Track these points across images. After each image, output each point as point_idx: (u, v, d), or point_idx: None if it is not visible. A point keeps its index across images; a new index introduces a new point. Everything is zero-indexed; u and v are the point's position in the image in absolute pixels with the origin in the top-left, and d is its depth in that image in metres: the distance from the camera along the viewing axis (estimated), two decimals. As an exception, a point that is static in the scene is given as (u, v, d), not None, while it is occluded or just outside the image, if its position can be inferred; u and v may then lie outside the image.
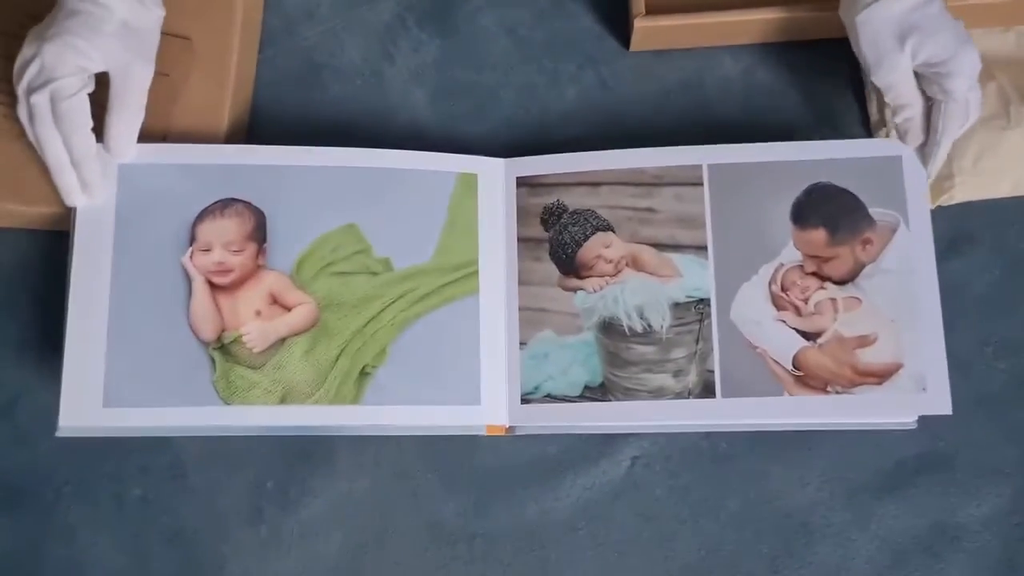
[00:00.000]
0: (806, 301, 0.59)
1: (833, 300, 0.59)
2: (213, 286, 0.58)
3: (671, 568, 0.61)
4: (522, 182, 0.62)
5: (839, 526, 0.61)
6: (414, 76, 0.69)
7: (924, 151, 0.61)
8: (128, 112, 0.57)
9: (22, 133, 0.57)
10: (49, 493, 0.61)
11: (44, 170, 0.57)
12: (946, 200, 0.65)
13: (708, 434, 0.63)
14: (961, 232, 0.66)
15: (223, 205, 0.59)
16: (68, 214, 0.59)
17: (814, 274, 0.59)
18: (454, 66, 0.69)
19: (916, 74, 0.59)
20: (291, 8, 0.70)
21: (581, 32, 0.70)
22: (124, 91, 0.57)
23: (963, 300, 0.65)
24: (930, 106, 0.60)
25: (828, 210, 0.60)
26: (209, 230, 0.59)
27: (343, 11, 0.70)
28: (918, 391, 0.57)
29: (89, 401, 0.56)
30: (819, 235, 0.60)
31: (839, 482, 0.62)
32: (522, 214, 0.62)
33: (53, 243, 0.62)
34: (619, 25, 0.69)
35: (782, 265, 0.59)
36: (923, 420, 0.61)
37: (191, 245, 0.59)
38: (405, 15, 0.70)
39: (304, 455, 0.62)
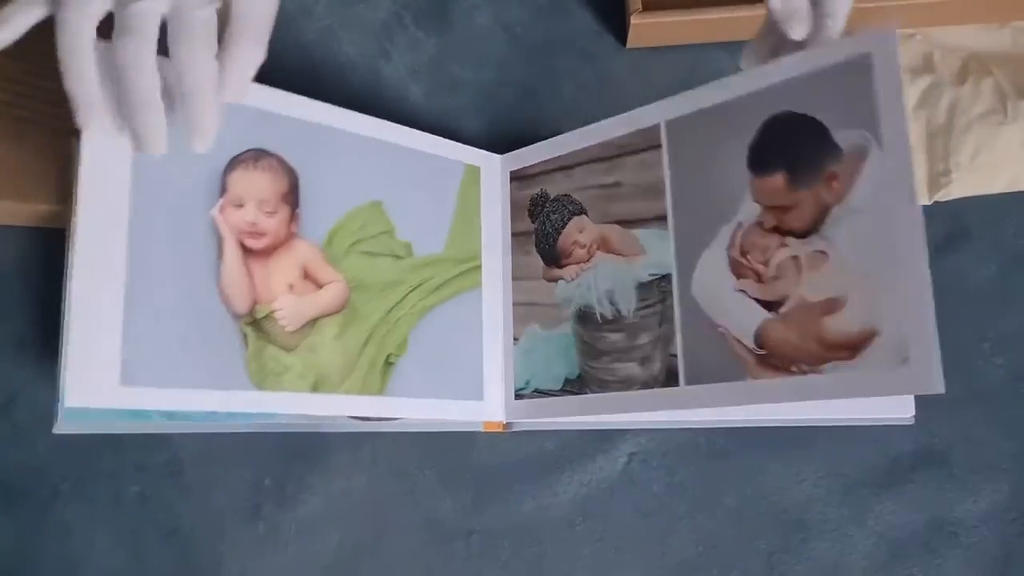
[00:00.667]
0: (767, 263, 0.49)
1: (795, 258, 0.48)
2: (244, 250, 0.52)
3: (668, 564, 0.61)
4: (513, 176, 0.62)
5: (836, 522, 0.62)
6: (411, 73, 0.69)
7: (817, 30, 0.49)
8: (252, 41, 0.47)
9: (20, 130, 0.57)
10: (46, 491, 0.61)
11: (43, 166, 0.57)
12: (943, 196, 0.65)
13: (705, 430, 0.63)
14: (958, 228, 0.66)
15: (256, 156, 0.53)
16: (63, 211, 0.59)
17: (775, 229, 0.49)
18: (451, 63, 0.69)
19: None
20: (288, 5, 0.70)
21: (578, 29, 0.70)
22: (249, 14, 0.47)
23: (960, 296, 0.65)
24: None
25: (787, 147, 0.49)
26: (241, 181, 0.52)
27: (340, 8, 0.70)
28: (898, 364, 0.45)
29: (104, 378, 0.47)
30: (778, 180, 0.49)
31: (836, 478, 0.62)
32: (513, 208, 0.62)
33: (52, 241, 0.62)
34: (616, 22, 0.69)
35: (740, 224, 0.50)
36: (920, 415, 0.61)
37: (221, 196, 0.51)
38: (402, 12, 0.70)
39: (301, 452, 0.62)
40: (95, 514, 0.61)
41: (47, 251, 0.63)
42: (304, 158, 0.55)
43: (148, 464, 0.61)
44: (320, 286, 0.55)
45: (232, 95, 0.47)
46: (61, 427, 0.56)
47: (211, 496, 0.61)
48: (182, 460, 0.61)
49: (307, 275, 0.54)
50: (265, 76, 0.68)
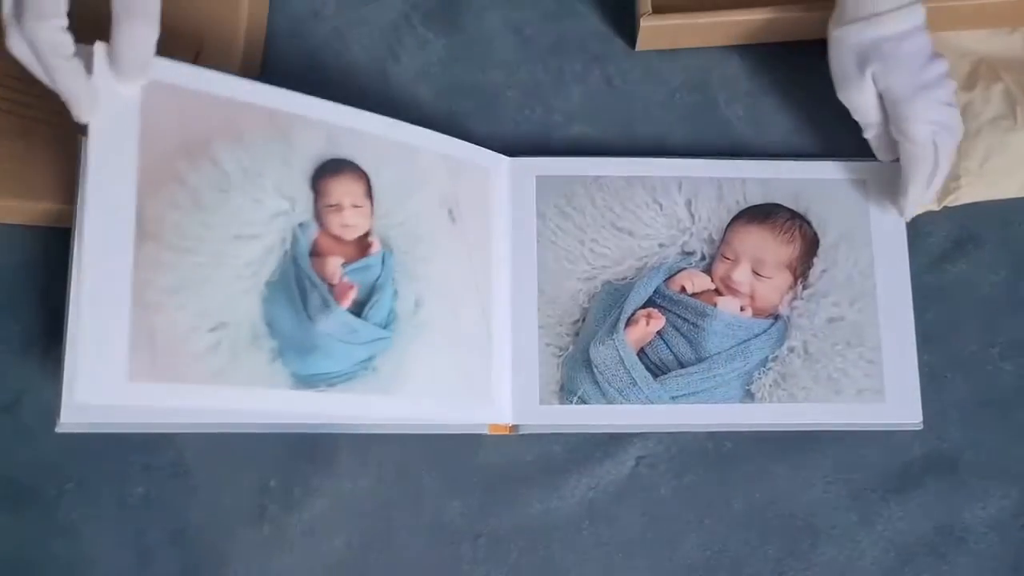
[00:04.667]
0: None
1: None
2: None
3: (676, 569, 0.61)
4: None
5: (844, 527, 0.61)
6: (420, 75, 0.69)
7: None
8: (136, 20, 0.47)
9: (28, 128, 0.57)
10: (52, 491, 0.60)
11: (50, 165, 0.57)
12: (952, 201, 0.65)
13: (713, 434, 0.62)
14: (967, 233, 0.66)
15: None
16: (70, 210, 0.59)
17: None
18: (459, 65, 0.69)
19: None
20: (297, 7, 0.70)
21: (587, 31, 0.69)
22: None
23: (969, 301, 0.65)
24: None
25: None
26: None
27: (349, 10, 0.70)
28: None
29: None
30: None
31: (844, 483, 0.62)
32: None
33: (55, 240, 0.62)
34: (625, 24, 0.69)
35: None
36: (929, 421, 0.61)
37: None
38: (411, 14, 0.70)
39: (307, 454, 0.62)
40: (100, 515, 0.60)
41: (53, 250, 0.63)
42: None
43: (153, 465, 0.61)
44: None
45: (126, 76, 0.49)
46: (64, 426, 0.56)
47: (217, 497, 0.61)
48: (188, 461, 0.61)
49: None
50: (272, 78, 0.68)
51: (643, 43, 0.68)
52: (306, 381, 0.54)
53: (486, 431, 0.60)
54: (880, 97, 0.59)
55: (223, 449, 0.61)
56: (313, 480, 0.61)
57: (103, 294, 0.48)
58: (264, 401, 0.53)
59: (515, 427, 0.60)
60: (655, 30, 0.66)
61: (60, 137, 0.60)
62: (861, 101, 0.60)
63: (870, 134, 0.62)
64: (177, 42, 0.62)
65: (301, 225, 0.56)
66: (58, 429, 0.56)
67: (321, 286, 0.55)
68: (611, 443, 0.62)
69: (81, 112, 0.49)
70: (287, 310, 0.54)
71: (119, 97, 0.50)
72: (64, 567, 0.60)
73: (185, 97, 0.53)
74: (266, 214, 0.55)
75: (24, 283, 0.63)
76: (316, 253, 0.56)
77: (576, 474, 0.62)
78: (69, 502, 0.60)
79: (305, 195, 0.56)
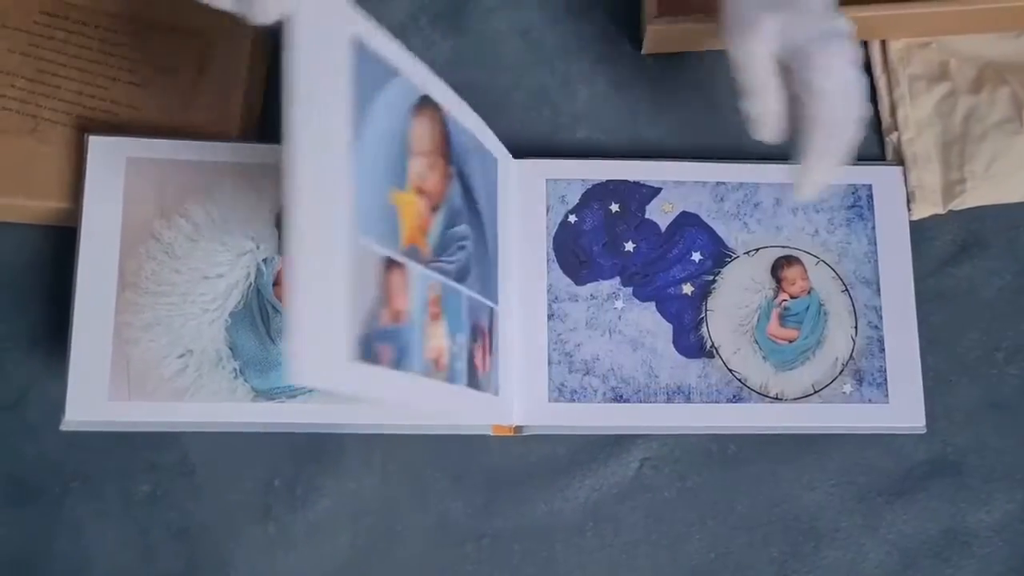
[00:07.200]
0: None
1: None
2: None
3: (679, 570, 0.61)
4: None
5: (848, 530, 0.61)
6: (426, 76, 0.69)
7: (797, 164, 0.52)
8: None
9: (34, 127, 0.57)
10: (57, 488, 0.61)
11: (56, 164, 0.57)
12: (957, 205, 0.65)
13: (717, 436, 0.62)
14: (972, 237, 0.65)
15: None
16: (76, 209, 0.59)
17: None
18: (466, 66, 0.69)
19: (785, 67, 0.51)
20: (304, 7, 0.70)
21: (593, 34, 0.70)
22: None
23: (974, 305, 0.65)
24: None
25: None
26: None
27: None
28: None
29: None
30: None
31: (848, 486, 0.62)
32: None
33: (62, 239, 0.62)
34: (631, 27, 0.69)
35: None
36: (933, 424, 0.61)
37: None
38: (418, 15, 0.70)
39: (313, 453, 0.62)
40: (105, 512, 0.60)
41: (57, 249, 0.63)
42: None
43: (159, 463, 0.61)
44: None
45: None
46: (69, 424, 0.56)
47: (221, 496, 0.61)
48: (193, 459, 0.61)
49: None
50: (278, 78, 0.68)
51: (650, 46, 0.68)
52: (266, 394, 0.59)
53: (490, 432, 0.60)
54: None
55: (228, 448, 0.61)
56: (318, 479, 0.61)
57: (90, 336, 0.58)
58: (225, 412, 0.58)
59: (519, 428, 0.60)
60: (662, 33, 0.66)
61: (67, 136, 0.60)
62: (753, 55, 0.51)
63: (758, 106, 0.53)
64: (186, 43, 0.63)
65: (265, 260, 0.60)
66: (63, 427, 0.56)
67: (284, 311, 0.58)
68: (615, 445, 0.62)
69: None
70: (250, 335, 0.59)
71: (107, 178, 0.59)
72: (68, 564, 0.60)
73: (162, 166, 0.60)
74: (232, 255, 0.60)
75: (30, 281, 0.63)
76: (282, 282, 0.60)
77: (580, 475, 0.62)
78: (74, 499, 0.60)
79: (270, 234, 0.60)
